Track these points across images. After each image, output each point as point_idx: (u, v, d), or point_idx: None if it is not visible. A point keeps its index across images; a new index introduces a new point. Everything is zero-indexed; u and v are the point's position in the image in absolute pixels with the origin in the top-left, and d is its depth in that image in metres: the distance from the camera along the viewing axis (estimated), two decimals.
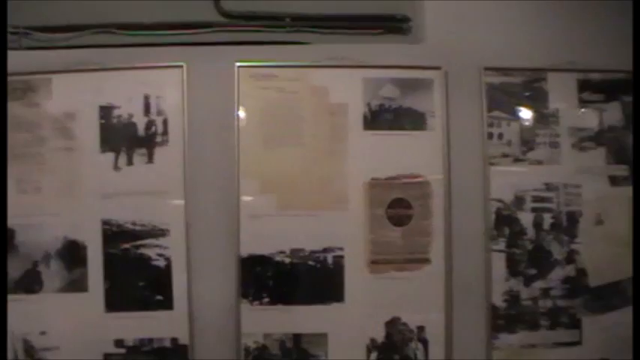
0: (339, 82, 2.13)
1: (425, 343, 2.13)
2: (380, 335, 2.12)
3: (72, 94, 2.13)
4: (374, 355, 2.12)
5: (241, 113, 2.13)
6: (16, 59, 2.10)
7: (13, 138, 2.11)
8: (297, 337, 2.12)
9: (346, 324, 2.11)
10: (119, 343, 2.12)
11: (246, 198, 2.11)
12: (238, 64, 2.11)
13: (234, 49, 2.13)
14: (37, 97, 2.13)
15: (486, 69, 2.14)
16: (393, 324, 2.13)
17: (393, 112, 2.14)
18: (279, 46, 2.16)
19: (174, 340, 2.12)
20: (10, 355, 2.06)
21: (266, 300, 2.12)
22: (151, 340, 2.12)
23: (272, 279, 2.12)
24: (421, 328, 2.13)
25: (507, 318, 2.14)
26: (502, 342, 2.14)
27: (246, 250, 2.10)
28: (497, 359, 2.12)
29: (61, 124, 2.14)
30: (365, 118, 2.14)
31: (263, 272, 2.12)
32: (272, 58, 2.12)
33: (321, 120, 2.13)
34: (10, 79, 2.08)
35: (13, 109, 2.12)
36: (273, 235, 2.11)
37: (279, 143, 2.13)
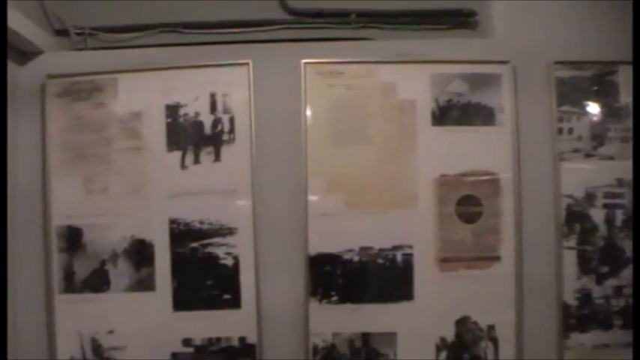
0: (406, 78, 2.10)
1: (495, 342, 2.09)
2: (450, 334, 2.09)
3: (138, 94, 2.12)
4: (443, 354, 2.09)
5: (308, 111, 2.10)
6: (81, 60, 2.13)
7: (81, 138, 2.14)
8: (366, 337, 2.09)
9: (416, 323, 2.08)
10: (187, 342, 2.12)
11: (314, 196, 2.09)
12: (304, 61, 2.08)
13: (301, 46, 2.11)
14: (104, 97, 2.13)
15: (556, 63, 2.09)
16: (463, 323, 2.09)
17: (462, 107, 2.11)
18: (346, 42, 2.14)
19: (242, 340, 2.11)
20: (78, 354, 2.12)
21: (335, 299, 2.10)
22: (219, 340, 2.11)
23: (341, 277, 2.10)
24: (491, 327, 2.09)
25: (579, 317, 2.08)
26: (574, 342, 2.09)
27: (314, 248, 2.08)
28: (569, 359, 2.05)
29: (128, 124, 2.13)
30: (433, 114, 2.11)
31: (332, 271, 2.09)
32: (338, 55, 2.10)
33: (389, 117, 2.10)
34: (76, 79, 2.12)
35: (80, 109, 2.13)
36: (342, 233, 2.08)
37: (347, 141, 2.10)
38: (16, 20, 1.91)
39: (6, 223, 1.23)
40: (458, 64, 2.10)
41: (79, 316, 2.12)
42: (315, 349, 2.08)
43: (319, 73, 2.10)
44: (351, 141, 2.10)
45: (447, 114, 2.10)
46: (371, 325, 2.08)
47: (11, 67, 2.08)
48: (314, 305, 2.08)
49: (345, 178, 2.08)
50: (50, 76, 2.12)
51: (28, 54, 2.11)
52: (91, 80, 2.12)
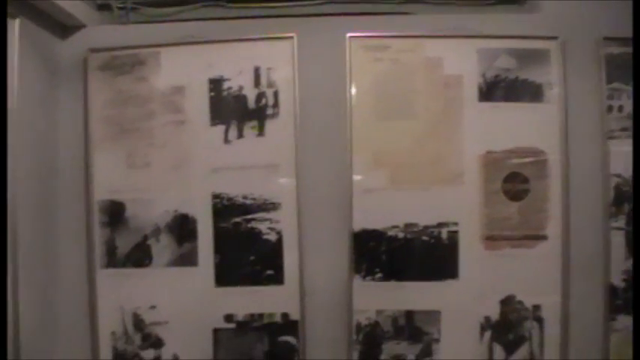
0: (453, 53, 2.06)
1: (540, 322, 2.05)
2: (494, 314, 2.05)
3: (181, 68, 2.10)
4: (488, 333, 2.05)
5: (353, 85, 2.07)
6: (124, 33, 2.11)
7: (123, 112, 2.10)
8: (409, 314, 2.07)
9: (460, 302, 2.04)
10: (229, 318, 2.10)
11: (358, 172, 2.06)
12: (350, 34, 2.05)
13: (346, 19, 2.07)
14: (146, 71, 2.11)
15: (605, 39, 2.04)
16: (507, 302, 2.06)
17: (509, 83, 2.06)
18: (392, 16, 2.11)
19: (284, 316, 2.09)
20: (119, 328, 2.11)
21: (379, 276, 2.07)
22: (261, 316, 2.10)
23: (385, 254, 2.07)
24: (537, 307, 2.05)
25: (626, 299, 2.02)
26: (621, 324, 2.03)
27: (358, 224, 2.05)
28: (616, 342, 2.03)
29: (170, 98, 2.11)
30: (480, 89, 2.07)
31: (376, 247, 2.06)
32: (384, 29, 2.07)
33: (435, 92, 2.06)
34: (118, 53, 2.09)
35: (122, 83, 2.10)
36: (387, 209, 2.05)
37: (392, 116, 2.07)
38: None
39: (6, 222, 1.29)
40: (505, 39, 2.07)
41: (121, 291, 2.10)
42: (359, 326, 2.05)
43: (364, 47, 2.06)
44: (396, 116, 2.06)
45: (494, 90, 2.06)
46: (415, 303, 2.05)
47: (53, 41, 2.08)
48: (358, 282, 2.05)
49: (390, 153, 2.05)
50: (92, 50, 2.10)
51: (70, 28, 2.10)
52: (134, 54, 2.09)
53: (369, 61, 2.06)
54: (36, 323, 1.92)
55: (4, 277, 1.28)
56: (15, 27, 1.72)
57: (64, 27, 2.09)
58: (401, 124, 2.07)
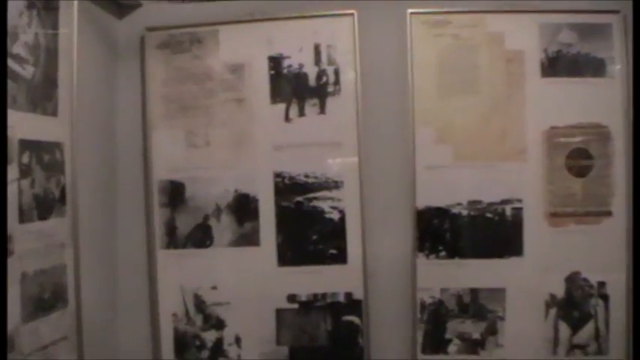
0: (515, 27, 2.05)
1: (606, 299, 2.03)
2: (559, 291, 2.03)
3: (240, 45, 2.09)
4: (553, 310, 2.04)
5: (414, 62, 2.05)
6: (180, 11, 2.10)
7: (182, 91, 2.09)
8: (474, 292, 2.05)
9: (524, 279, 2.03)
10: (292, 298, 2.09)
11: (421, 148, 2.05)
12: (410, 10, 2.04)
13: None
14: (204, 49, 2.10)
15: None
16: (572, 279, 2.04)
17: (571, 58, 2.05)
18: None
19: (348, 295, 2.07)
20: (181, 309, 2.11)
21: (442, 253, 2.06)
22: (324, 295, 2.08)
23: (449, 232, 2.05)
24: (602, 284, 2.03)
25: None
26: None
27: (422, 202, 2.04)
28: None
29: (230, 76, 2.10)
30: (542, 64, 2.05)
31: (440, 225, 2.06)
32: (445, 4, 2.06)
33: (497, 67, 2.04)
34: (175, 31, 2.09)
35: (180, 61, 2.10)
36: (450, 186, 2.04)
37: (454, 92, 2.05)
38: None
39: (6, 221, 1.33)
40: (567, 13, 2.05)
41: (182, 271, 2.09)
42: (423, 304, 2.05)
43: (425, 23, 2.05)
44: (458, 92, 2.05)
45: (556, 65, 2.04)
46: (479, 281, 2.03)
47: (110, 20, 2.08)
48: (421, 260, 2.05)
49: (453, 129, 2.04)
50: (149, 29, 2.09)
51: (126, 7, 2.09)
52: (191, 32, 2.09)
53: (430, 37, 2.05)
54: (98, 305, 1.93)
55: (4, 277, 1.31)
56: (74, 7, 1.75)
57: (120, 6, 2.08)
58: (463, 100, 2.04)
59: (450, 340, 2.06)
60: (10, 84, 1.44)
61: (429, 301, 2.06)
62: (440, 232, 2.05)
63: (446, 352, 2.05)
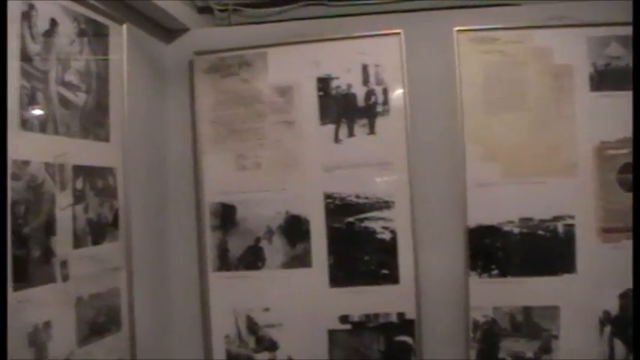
0: (562, 42, 2.52)
1: None
2: (614, 308, 2.32)
3: (288, 67, 2.65)
4: (607, 328, 2.37)
5: (462, 79, 2.55)
6: (228, 35, 2.71)
7: (231, 114, 2.67)
8: (527, 311, 2.42)
9: (578, 296, 2.35)
10: (344, 319, 2.60)
11: (471, 166, 2.53)
12: (457, 28, 2.56)
13: (451, 13, 2.60)
14: (253, 71, 2.67)
15: None
16: (627, 296, 2.30)
17: (620, 71, 2.50)
18: (498, 8, 2.63)
19: (400, 315, 2.57)
20: (233, 331, 2.66)
21: (495, 272, 2.53)
22: (377, 316, 2.59)
23: (501, 250, 2.53)
24: None
25: None
26: None
27: (473, 220, 2.55)
28: None
29: (279, 98, 2.66)
30: (591, 78, 2.51)
31: (491, 243, 2.55)
32: (491, 21, 2.57)
33: (545, 82, 2.54)
34: (223, 55, 2.66)
35: (229, 84, 2.67)
36: (501, 203, 2.49)
37: (503, 108, 2.55)
38: None
39: (6, 222, 1.58)
40: (615, 26, 2.51)
41: (234, 293, 2.66)
42: (476, 324, 2.44)
43: (472, 40, 2.56)
44: (506, 108, 2.47)
45: (605, 78, 2.38)
46: (532, 299, 2.38)
47: (158, 45, 2.69)
48: (474, 279, 2.48)
49: (503, 146, 2.44)
50: (198, 53, 2.68)
51: (174, 32, 2.72)
52: (240, 55, 2.67)
53: (477, 53, 2.56)
54: (151, 328, 2.47)
55: (4, 276, 1.49)
56: (123, 33, 2.17)
57: (168, 31, 2.71)
58: (512, 116, 2.49)
59: None
60: (62, 111, 1.84)
61: (481, 320, 2.46)
62: (492, 250, 2.52)
63: None
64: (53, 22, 1.86)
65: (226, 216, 2.66)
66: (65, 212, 1.88)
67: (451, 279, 2.52)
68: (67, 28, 1.92)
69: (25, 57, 1.72)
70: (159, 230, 2.65)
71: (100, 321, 2.03)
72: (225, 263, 2.66)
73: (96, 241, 2.04)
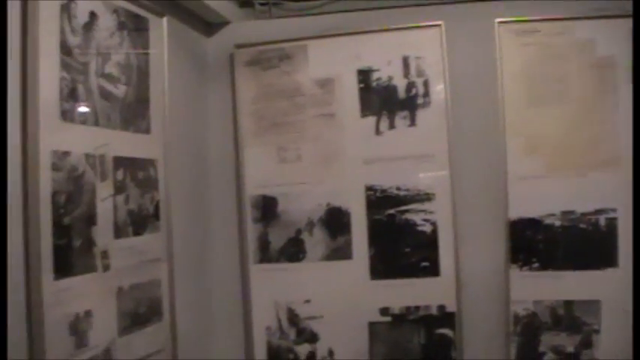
0: (605, 33, 2.72)
1: None
2: None
3: (329, 60, 3.07)
4: None
5: (503, 71, 2.85)
6: (268, 28, 3.18)
7: (272, 107, 3.14)
8: (568, 304, 2.72)
9: (620, 290, 2.59)
10: (384, 311, 2.95)
11: (512, 159, 2.79)
12: (498, 20, 2.83)
13: (493, 5, 2.84)
14: (293, 64, 3.13)
15: None
16: None
17: None
18: None
19: (441, 308, 2.88)
20: (274, 323, 3.12)
21: (536, 265, 2.80)
22: (417, 308, 2.95)
23: (542, 243, 2.79)
24: None
25: None
26: None
27: (514, 213, 2.84)
28: None
29: (319, 91, 3.12)
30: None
31: (533, 236, 2.83)
32: (532, 12, 2.78)
33: (588, 74, 2.75)
34: (264, 48, 3.14)
35: (270, 77, 3.15)
36: (542, 197, 2.77)
37: (545, 101, 2.79)
38: None
39: (6, 221, 1.62)
40: None
41: (275, 285, 3.11)
42: (516, 317, 2.76)
43: (513, 32, 2.81)
44: (548, 101, 2.76)
45: None
46: (574, 293, 2.69)
47: (199, 38, 3.19)
48: (514, 272, 2.78)
49: (544, 139, 2.76)
50: (238, 46, 3.17)
51: (215, 25, 3.21)
52: (280, 48, 3.14)
53: (518, 45, 2.81)
54: (192, 319, 2.79)
55: (4, 277, 1.58)
56: (163, 27, 2.50)
57: (209, 24, 3.21)
58: (554, 109, 2.77)
59: (543, 354, 2.73)
60: (103, 103, 2.09)
61: (522, 313, 2.77)
62: (533, 243, 2.79)
63: None
64: (93, 15, 2.11)
65: (267, 208, 3.07)
66: (106, 203, 2.14)
67: (492, 272, 2.84)
68: (106, 21, 2.18)
69: (65, 50, 1.95)
70: (200, 222, 3.10)
71: (140, 311, 2.30)
72: (266, 255, 3.06)
73: (137, 232, 2.32)
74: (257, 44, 3.06)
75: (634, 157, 2.54)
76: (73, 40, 2.00)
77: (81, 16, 2.04)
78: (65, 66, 1.95)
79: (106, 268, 2.13)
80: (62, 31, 1.94)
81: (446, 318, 2.87)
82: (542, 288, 2.78)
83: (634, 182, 2.45)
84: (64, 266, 1.91)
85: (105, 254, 2.12)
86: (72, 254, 1.95)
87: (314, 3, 3.20)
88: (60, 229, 1.89)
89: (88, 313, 2.01)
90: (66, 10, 1.95)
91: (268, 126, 3.07)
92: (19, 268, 1.75)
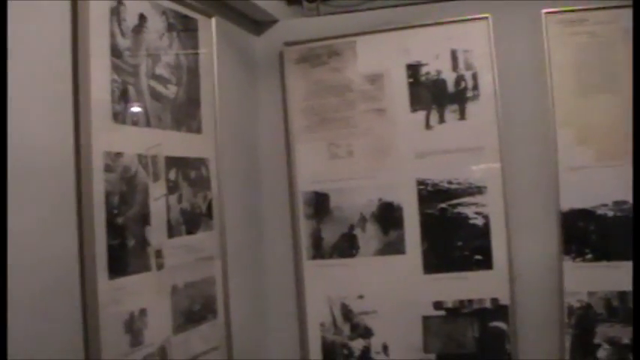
0: None
1: None
2: None
3: (377, 55, 3.52)
4: None
5: (552, 62, 3.15)
6: (316, 25, 3.73)
7: (322, 103, 3.69)
8: (623, 296, 2.99)
9: None
10: (438, 305, 3.36)
11: (563, 150, 3.12)
12: (545, 10, 3.15)
13: None
14: (342, 60, 3.65)
15: None
16: None
17: None
18: None
19: (494, 301, 3.26)
20: (328, 318, 3.65)
21: (589, 256, 3.13)
22: (470, 302, 3.33)
23: (595, 234, 3.12)
24: None
25: None
26: None
27: (566, 204, 3.18)
28: None
29: (369, 86, 3.64)
30: None
31: (585, 227, 3.15)
32: (579, 2, 3.10)
33: None
34: (313, 45, 3.70)
35: (319, 74, 3.70)
36: (594, 187, 3.10)
37: (594, 90, 3.13)
38: None
39: (6, 220, 1.68)
40: None
41: (329, 281, 3.60)
42: (570, 308, 3.10)
43: (561, 22, 3.15)
44: (598, 90, 3.09)
45: None
46: (628, 284, 2.78)
47: (248, 36, 3.77)
48: (568, 263, 3.13)
49: (595, 129, 3.09)
50: (287, 44, 3.73)
51: (264, 24, 3.79)
52: (329, 45, 3.68)
53: (565, 36, 3.15)
54: (247, 316, 3.19)
55: (4, 277, 1.64)
56: (212, 27, 2.89)
57: (258, 23, 3.79)
58: (603, 98, 3.09)
59: (599, 345, 3.04)
60: (154, 104, 2.36)
61: (576, 305, 3.10)
62: (586, 234, 3.12)
63: (595, 358, 3.02)
64: (142, 18, 2.36)
65: (320, 204, 3.55)
66: (159, 202, 2.40)
67: (545, 264, 3.20)
68: (155, 23, 2.44)
69: (116, 52, 2.19)
70: (253, 220, 3.54)
71: (195, 309, 2.58)
72: (319, 251, 3.54)
73: (190, 231, 2.62)
74: (306, 41, 3.53)
75: (634, 157, 2.82)
76: (123, 43, 2.26)
77: (130, 19, 2.30)
78: (116, 68, 2.21)
79: (160, 267, 2.39)
80: (112, 34, 2.21)
81: (499, 311, 3.23)
82: (595, 279, 3.09)
83: (634, 182, 2.71)
84: (118, 266, 2.15)
85: (159, 253, 2.38)
86: (126, 254, 2.20)
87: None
88: (114, 230, 2.14)
89: (142, 312, 2.26)
90: (115, 13, 2.21)
91: (319, 122, 3.55)
92: (74, 269, 1.99)
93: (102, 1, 2.14)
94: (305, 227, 3.52)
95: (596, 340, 3.08)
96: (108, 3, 2.19)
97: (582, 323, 3.12)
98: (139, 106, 2.36)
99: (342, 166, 3.49)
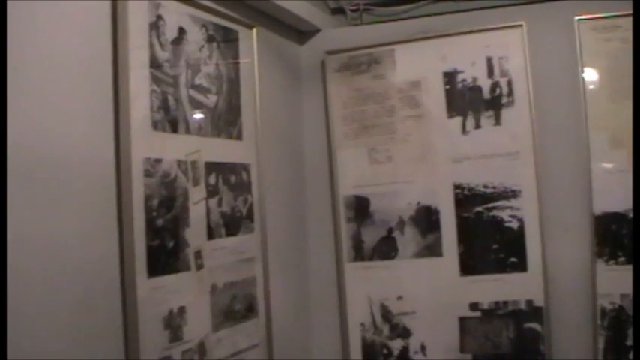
0: None
1: None
2: None
3: (416, 63, 4.04)
4: None
5: (585, 68, 3.53)
6: (357, 34, 4.41)
7: (363, 110, 4.33)
8: None
9: None
10: (474, 306, 3.83)
11: (596, 154, 3.49)
12: (578, 17, 3.53)
13: (572, 3, 3.57)
14: (382, 68, 4.24)
15: None
16: None
17: None
18: None
19: (529, 302, 3.69)
20: (368, 319, 4.29)
21: (622, 259, 3.48)
22: (506, 303, 3.77)
23: (627, 237, 3.45)
24: None
25: None
26: None
27: (599, 207, 3.56)
28: None
29: (408, 93, 4.26)
30: None
31: (618, 230, 3.52)
32: (613, 8, 3.47)
33: None
34: (353, 53, 4.35)
35: (360, 82, 4.36)
36: (627, 191, 3.30)
37: (627, 96, 3.38)
38: (294, 3, 3.63)
39: (6, 220, 1.83)
40: None
41: (369, 283, 4.13)
42: (603, 310, 3.48)
43: (594, 29, 3.52)
44: (631, 95, 3.30)
45: None
46: None
47: (291, 46, 4.39)
48: (601, 266, 3.51)
49: (628, 134, 3.34)
50: (329, 52, 4.36)
51: (306, 33, 4.43)
52: (369, 53, 4.26)
53: (599, 42, 3.52)
54: (288, 315, 3.66)
55: (4, 277, 1.76)
56: (253, 36, 3.32)
57: (300, 33, 4.41)
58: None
59: (631, 347, 3.36)
60: (193, 112, 2.72)
61: (609, 307, 3.48)
62: (618, 237, 3.50)
63: (627, 359, 3.37)
64: (181, 31, 2.68)
65: (360, 208, 4.09)
66: (198, 206, 2.76)
67: (578, 266, 3.61)
68: (195, 35, 2.78)
69: (155, 64, 2.49)
70: (295, 222, 4.03)
71: (235, 308, 2.96)
72: (360, 254, 4.07)
73: (230, 233, 3.00)
74: (347, 50, 4.08)
75: (634, 157, 3.24)
76: (163, 55, 2.57)
77: (169, 33, 2.61)
78: (155, 79, 2.51)
79: (200, 267, 2.75)
80: (151, 47, 2.51)
81: (534, 312, 3.69)
82: (628, 281, 3.29)
83: (634, 182, 3.08)
84: (157, 265, 2.47)
85: (198, 254, 2.74)
86: (165, 254, 2.52)
87: (401, 8, 4.38)
88: (153, 231, 2.45)
89: (181, 309, 2.60)
90: (154, 28, 2.52)
91: (360, 129, 4.13)
92: (115, 268, 2.30)
93: (141, 16, 2.49)
94: (346, 230, 4.08)
95: (629, 342, 3.46)
96: (147, 18, 2.52)
97: (615, 325, 3.54)
98: (179, 115, 2.68)
99: (381, 171, 4.04)
